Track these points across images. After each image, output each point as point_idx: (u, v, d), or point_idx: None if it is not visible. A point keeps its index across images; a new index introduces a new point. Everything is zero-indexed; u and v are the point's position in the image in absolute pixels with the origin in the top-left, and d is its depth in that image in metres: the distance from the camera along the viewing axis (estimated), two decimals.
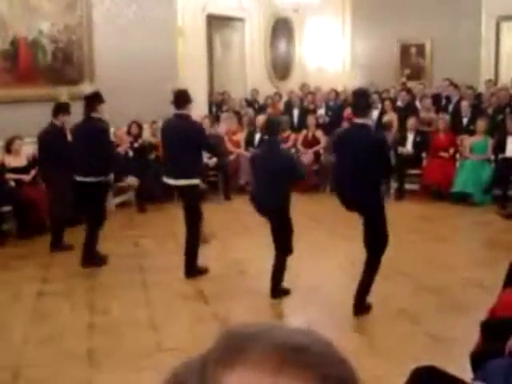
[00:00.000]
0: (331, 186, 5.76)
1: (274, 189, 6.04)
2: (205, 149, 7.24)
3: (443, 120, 11.04)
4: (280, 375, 0.69)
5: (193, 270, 6.95)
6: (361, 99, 5.82)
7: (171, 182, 7.00)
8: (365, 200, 5.63)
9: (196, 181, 6.91)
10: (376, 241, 5.72)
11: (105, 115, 7.45)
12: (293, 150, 11.88)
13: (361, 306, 5.79)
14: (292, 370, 0.69)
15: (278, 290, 6.29)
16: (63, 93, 9.07)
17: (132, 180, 9.55)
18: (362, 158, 5.48)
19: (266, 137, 6.44)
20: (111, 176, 8.30)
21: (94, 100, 7.34)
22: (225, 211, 7.87)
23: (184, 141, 6.72)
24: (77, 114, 7.79)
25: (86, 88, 9.13)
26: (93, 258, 7.41)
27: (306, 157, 9.02)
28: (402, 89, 13.59)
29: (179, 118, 6.91)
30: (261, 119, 10.93)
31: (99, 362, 5.04)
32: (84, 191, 7.32)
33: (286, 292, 6.36)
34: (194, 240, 6.95)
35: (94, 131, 7.26)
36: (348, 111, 12.16)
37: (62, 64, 9.80)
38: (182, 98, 6.91)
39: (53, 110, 8.08)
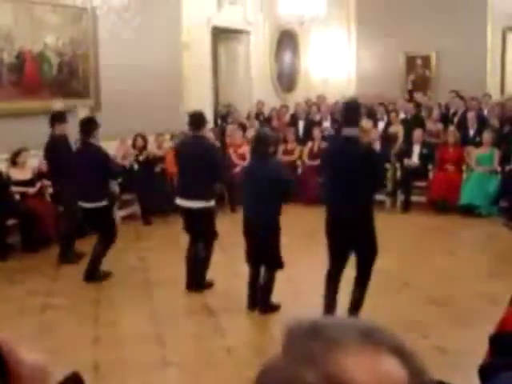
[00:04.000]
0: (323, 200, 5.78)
1: (263, 203, 6.03)
2: (215, 171, 7.18)
3: (453, 133, 10.99)
4: (377, 355, 0.81)
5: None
6: (353, 111, 5.79)
7: (186, 203, 6.93)
8: (356, 213, 5.57)
9: (212, 203, 6.90)
10: (367, 255, 5.72)
11: (98, 140, 7.55)
12: (298, 162, 11.90)
13: None
14: (379, 349, 0.82)
15: (267, 306, 6.28)
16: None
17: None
18: (352, 170, 5.45)
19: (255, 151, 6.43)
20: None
21: (90, 125, 7.41)
22: (230, 223, 7.84)
23: (200, 163, 6.71)
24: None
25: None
26: (96, 273, 7.40)
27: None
28: (408, 100, 13.58)
29: (195, 139, 6.93)
30: (250, 133, 10.99)
31: (104, 376, 5.01)
32: (92, 217, 7.39)
33: (276, 308, 6.32)
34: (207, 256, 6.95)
35: (96, 160, 7.30)
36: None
37: (68, 77, 9.81)
38: (198, 121, 6.93)
39: (49, 120, 8.11)
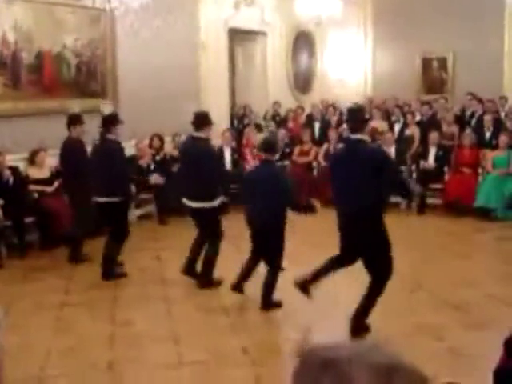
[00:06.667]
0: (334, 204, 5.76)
1: (268, 208, 6.12)
2: (216, 175, 7.22)
3: (469, 136, 10.96)
4: None
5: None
6: (356, 115, 5.84)
7: (188, 203, 7.06)
8: (365, 221, 5.49)
9: (212, 204, 6.95)
10: (381, 266, 5.58)
11: (119, 136, 7.54)
12: (314, 164, 11.91)
13: (360, 327, 5.63)
14: None
15: (269, 303, 6.36)
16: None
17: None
18: (361, 174, 5.39)
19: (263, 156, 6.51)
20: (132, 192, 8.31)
21: (110, 122, 7.43)
22: (244, 222, 7.86)
23: (198, 164, 6.82)
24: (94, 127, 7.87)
25: (104, 107, 9.19)
26: (112, 272, 7.45)
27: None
28: (422, 103, 13.55)
29: (195, 140, 7.02)
30: (258, 138, 11.00)
31: (120, 374, 5.06)
32: (104, 211, 7.41)
33: (278, 304, 6.39)
34: (211, 253, 7.07)
35: (108, 153, 7.33)
36: (373, 124, 12.17)
37: (86, 77, 9.90)
38: (200, 121, 7.00)
39: (66, 123, 8.18)
